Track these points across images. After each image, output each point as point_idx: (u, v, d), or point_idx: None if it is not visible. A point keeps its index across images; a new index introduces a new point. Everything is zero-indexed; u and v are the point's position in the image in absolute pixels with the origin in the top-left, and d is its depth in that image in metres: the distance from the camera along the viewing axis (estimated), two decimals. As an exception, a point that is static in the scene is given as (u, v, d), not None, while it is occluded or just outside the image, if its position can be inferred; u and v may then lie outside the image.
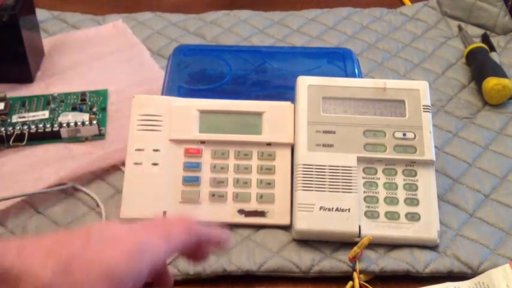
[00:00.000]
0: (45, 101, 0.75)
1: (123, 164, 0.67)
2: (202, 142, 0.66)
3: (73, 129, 0.71)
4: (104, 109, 0.75)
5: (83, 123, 0.71)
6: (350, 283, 0.59)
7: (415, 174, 0.63)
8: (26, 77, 0.79)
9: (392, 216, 0.61)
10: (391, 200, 0.62)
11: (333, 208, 0.61)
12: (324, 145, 0.63)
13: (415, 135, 0.64)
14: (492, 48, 0.86)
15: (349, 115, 0.65)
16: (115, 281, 0.37)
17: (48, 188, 0.66)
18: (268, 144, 0.66)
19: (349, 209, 0.61)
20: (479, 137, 0.74)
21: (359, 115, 0.65)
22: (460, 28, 0.92)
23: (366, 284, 0.59)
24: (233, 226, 0.63)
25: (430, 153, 0.63)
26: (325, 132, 0.64)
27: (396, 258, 0.60)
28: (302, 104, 0.65)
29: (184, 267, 0.60)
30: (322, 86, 0.66)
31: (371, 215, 0.62)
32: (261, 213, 0.63)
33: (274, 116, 0.66)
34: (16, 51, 0.76)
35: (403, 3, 1.01)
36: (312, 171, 0.62)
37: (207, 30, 0.91)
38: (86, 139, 0.72)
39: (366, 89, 0.66)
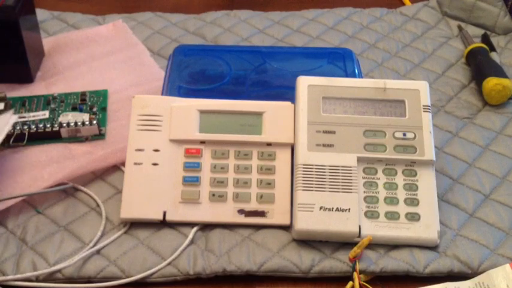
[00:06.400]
0: (45, 101, 0.75)
1: (123, 164, 0.67)
2: (202, 142, 0.66)
3: (73, 129, 0.71)
4: (104, 109, 0.75)
5: (83, 123, 0.71)
6: (350, 283, 0.58)
7: (415, 174, 0.63)
8: (26, 77, 0.79)
9: (392, 216, 0.62)
10: (391, 200, 0.62)
11: (333, 208, 0.61)
12: (324, 145, 0.63)
13: (415, 135, 0.64)
14: (492, 48, 0.86)
15: (349, 115, 0.65)
16: None
17: (48, 188, 0.66)
18: (268, 144, 0.66)
19: (349, 209, 0.61)
20: (479, 137, 0.74)
21: (359, 115, 0.65)
22: (460, 28, 0.92)
23: (366, 284, 0.59)
24: (233, 226, 0.63)
25: (430, 153, 0.63)
26: (325, 132, 0.64)
27: (396, 258, 0.60)
28: (302, 104, 0.65)
29: (184, 267, 0.60)
30: (322, 86, 0.66)
31: (371, 215, 0.62)
32: (261, 213, 0.63)
33: (274, 116, 0.66)
34: (16, 51, 0.76)
35: (403, 3, 1.01)
36: (312, 171, 0.62)
37: (207, 30, 0.91)
38: (86, 139, 0.72)
39: (366, 89, 0.66)
